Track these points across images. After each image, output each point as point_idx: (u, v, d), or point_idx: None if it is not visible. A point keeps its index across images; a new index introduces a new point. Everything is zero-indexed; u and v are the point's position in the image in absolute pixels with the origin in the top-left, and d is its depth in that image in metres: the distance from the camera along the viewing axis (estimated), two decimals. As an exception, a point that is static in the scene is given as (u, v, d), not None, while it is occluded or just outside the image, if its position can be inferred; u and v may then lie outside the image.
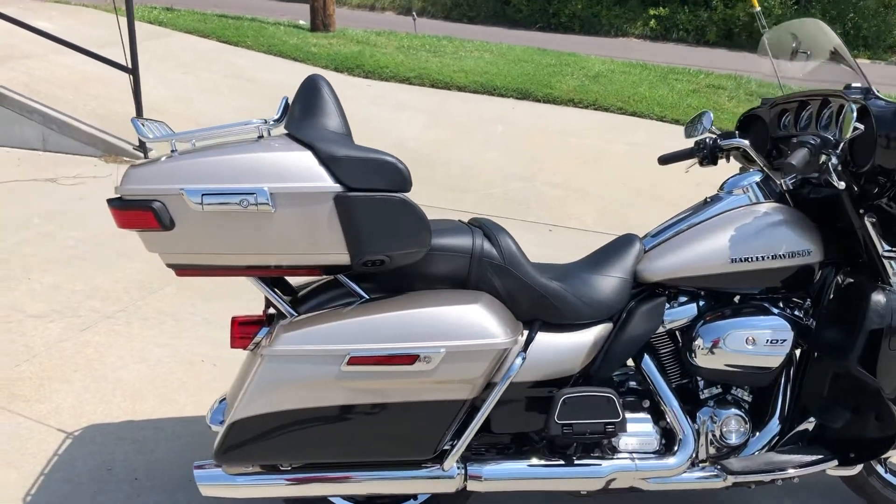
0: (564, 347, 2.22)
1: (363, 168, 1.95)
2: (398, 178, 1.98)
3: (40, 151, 6.37)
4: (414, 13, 13.24)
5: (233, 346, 2.24)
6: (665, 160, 2.86)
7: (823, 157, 2.17)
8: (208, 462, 2.14)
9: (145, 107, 6.27)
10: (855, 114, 2.05)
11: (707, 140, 2.72)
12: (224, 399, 2.30)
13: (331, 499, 2.31)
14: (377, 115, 7.45)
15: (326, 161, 1.93)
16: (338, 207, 1.93)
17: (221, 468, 2.13)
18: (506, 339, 2.01)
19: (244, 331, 2.24)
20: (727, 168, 2.86)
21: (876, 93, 2.25)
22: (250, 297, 3.98)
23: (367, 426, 2.03)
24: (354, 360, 1.95)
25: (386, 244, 1.98)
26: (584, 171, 6.50)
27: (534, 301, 2.19)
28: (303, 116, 2.09)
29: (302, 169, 1.93)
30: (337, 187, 1.93)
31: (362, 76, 8.79)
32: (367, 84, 8.55)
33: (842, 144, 2.16)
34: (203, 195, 1.90)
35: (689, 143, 2.88)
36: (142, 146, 6.24)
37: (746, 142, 2.62)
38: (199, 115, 7.07)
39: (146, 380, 3.25)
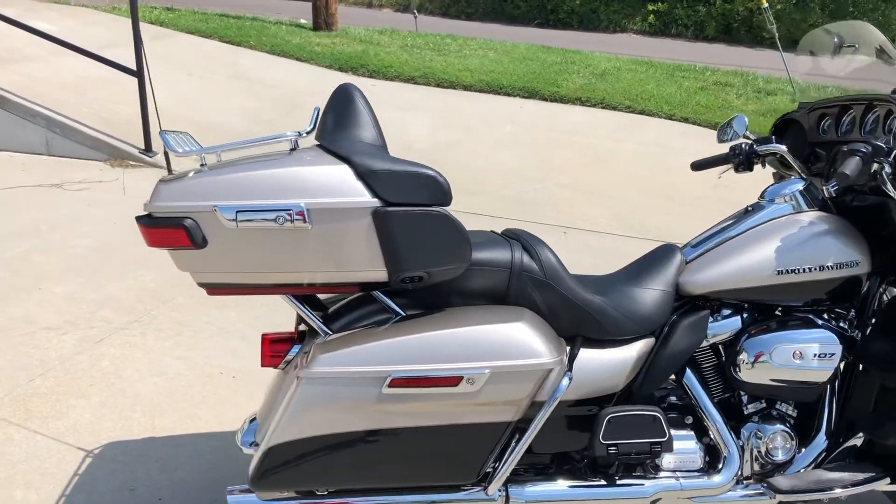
0: (608, 364, 2.15)
1: (402, 182, 1.87)
2: (438, 191, 1.90)
3: (44, 156, 6.29)
4: (415, 11, 13.15)
5: (263, 364, 2.17)
6: (698, 166, 2.79)
7: (875, 166, 2.10)
8: (241, 487, 2.07)
9: (150, 110, 6.19)
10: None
11: (743, 145, 2.64)
12: (254, 419, 2.23)
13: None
14: (384, 116, 7.30)
15: (364, 175, 1.85)
16: (376, 222, 1.85)
17: (255, 494, 2.06)
18: (551, 358, 1.94)
19: (275, 349, 2.16)
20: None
21: (932, 98, 2.18)
22: (266, 308, 3.92)
23: (408, 449, 1.96)
24: (396, 383, 1.87)
25: (425, 260, 1.90)
26: (594, 172, 6.43)
27: (576, 316, 2.11)
28: (336, 128, 2.01)
29: (339, 183, 1.85)
30: (375, 202, 1.85)
31: (367, 76, 8.71)
32: (372, 84, 8.46)
33: (895, 152, 2.09)
34: (237, 212, 1.82)
35: (722, 148, 2.79)
36: (148, 150, 6.17)
37: (784, 147, 2.55)
38: (205, 118, 6.99)
39: (165, 394, 3.17)
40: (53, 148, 6.24)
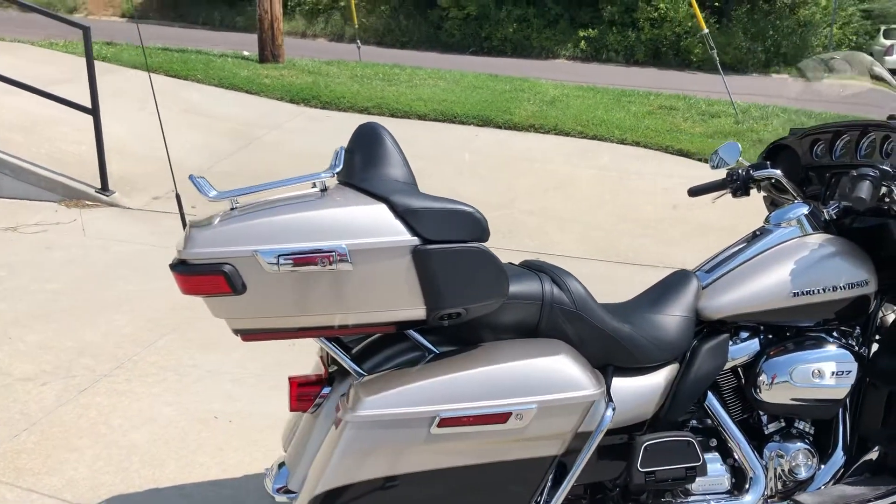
0: (640, 392, 2.18)
1: (441, 219, 1.87)
2: (476, 227, 1.91)
3: (-6, 198, 6.06)
4: (358, 42, 13.19)
5: (292, 408, 2.12)
6: (695, 192, 2.86)
7: (884, 189, 2.19)
8: (281, 537, 2.02)
9: (106, 148, 6.04)
10: (926, 146, 2.08)
11: (739, 171, 2.73)
12: (283, 463, 2.17)
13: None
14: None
15: (403, 214, 1.85)
16: (415, 261, 1.84)
17: (294, 543, 2.00)
18: (595, 389, 1.96)
19: (304, 392, 2.12)
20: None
21: (928, 124, 2.30)
22: (248, 349, 3.83)
23: (456, 489, 1.93)
24: (445, 422, 1.85)
25: (465, 297, 1.90)
26: (557, 197, 6.53)
27: (607, 346, 2.13)
28: (366, 167, 2.00)
29: (378, 223, 1.84)
30: (414, 240, 1.84)
31: (319, 107, 8.70)
32: (326, 115, 8.46)
33: (903, 176, 2.19)
34: (279, 256, 1.79)
35: (718, 174, 2.87)
36: (104, 189, 6.01)
37: (779, 172, 2.64)
38: (161, 154, 6.83)
39: (160, 442, 3.07)
40: (4, 190, 6.01)
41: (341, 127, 7.99)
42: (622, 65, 21.15)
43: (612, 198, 6.56)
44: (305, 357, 3.77)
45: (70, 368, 3.59)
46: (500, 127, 8.19)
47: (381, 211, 1.86)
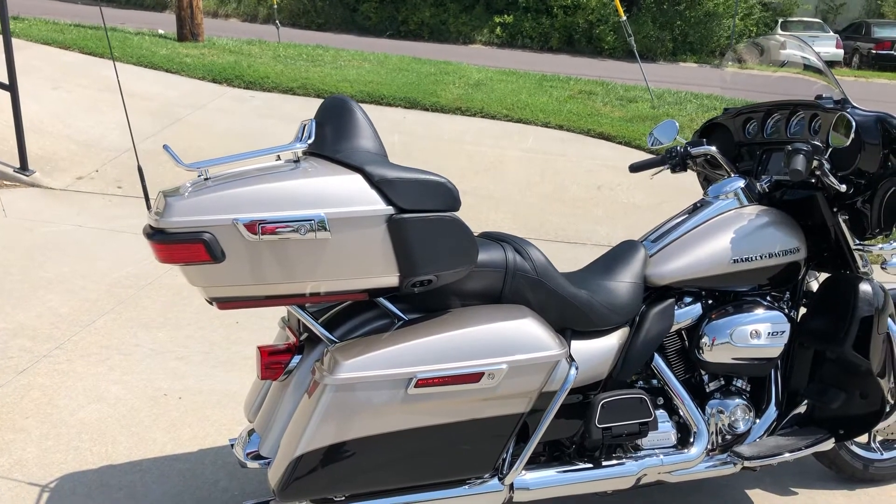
0: (596, 354, 2.31)
1: (415, 189, 1.94)
2: (449, 197, 1.99)
3: None
4: (277, 22, 12.98)
5: (262, 377, 2.15)
6: (636, 168, 3.01)
7: (815, 162, 2.38)
8: (257, 501, 2.06)
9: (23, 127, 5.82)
10: (854, 122, 2.27)
11: (678, 148, 2.89)
12: (252, 431, 2.21)
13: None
14: (268, 129, 7.28)
15: (378, 184, 1.91)
16: (390, 229, 1.92)
17: (271, 506, 2.05)
18: (559, 350, 2.07)
19: (273, 360, 2.16)
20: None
21: (853, 103, 2.50)
22: (195, 326, 3.81)
23: (431, 447, 2.02)
24: (422, 383, 1.93)
25: (437, 264, 1.98)
26: (488, 178, 6.66)
27: (566, 311, 2.25)
28: (338, 138, 2.05)
29: (354, 193, 1.90)
30: (390, 209, 1.91)
31: (242, 87, 8.56)
32: (250, 95, 8.33)
33: (830, 150, 2.38)
34: (259, 224, 1.82)
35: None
36: (23, 168, 5.78)
37: (714, 148, 2.81)
38: (83, 134, 6.64)
39: (111, 420, 3.03)
40: (-86, 170, 5.72)
41: (266, 107, 7.94)
42: (537, 51, 21.48)
43: (541, 179, 6.73)
44: (249, 335, 3.80)
45: (5, 350, 3.49)
46: (427, 109, 8.25)
47: (356, 181, 1.91)
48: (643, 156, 6.88)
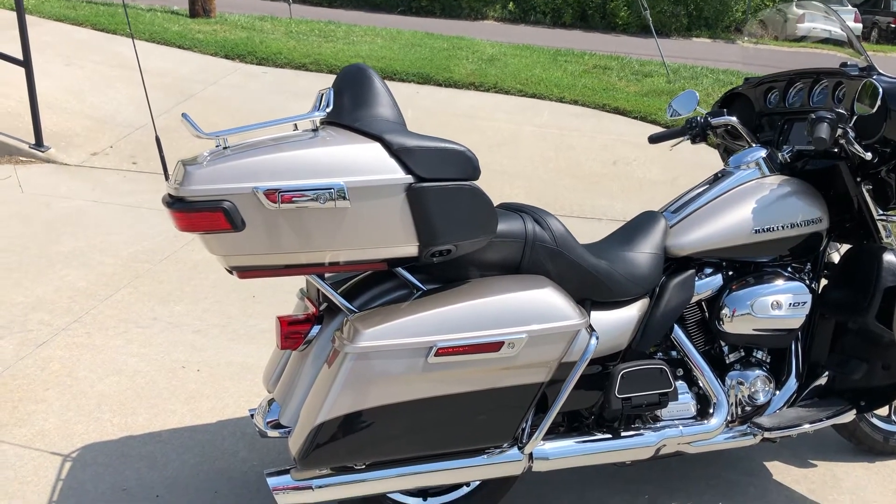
0: (615, 324, 2.29)
1: (434, 158, 1.93)
2: (468, 166, 1.97)
3: (-81, 154, 5.78)
4: (289, -2, 12.87)
5: (282, 347, 2.16)
6: (655, 139, 2.97)
7: (840, 131, 2.34)
8: (278, 469, 2.07)
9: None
10: (881, 90, 2.22)
11: (698, 118, 2.85)
12: (272, 400, 2.22)
13: (389, 495, 2.29)
14: (281, 104, 7.25)
15: (397, 152, 1.89)
16: (410, 198, 1.90)
17: (290, 475, 2.06)
18: (580, 319, 2.06)
19: (293, 330, 2.16)
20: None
21: (879, 70, 2.45)
22: (212, 300, 3.83)
23: (451, 416, 2.02)
24: (442, 351, 1.93)
25: (456, 234, 1.97)
26: (502, 154, 6.62)
27: (586, 281, 2.24)
28: (356, 107, 2.03)
29: (373, 161, 1.88)
30: (409, 178, 1.90)
31: (255, 63, 8.52)
32: (263, 71, 8.30)
33: (855, 118, 2.34)
34: (279, 192, 1.81)
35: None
36: (39, 144, 5.79)
37: (734, 119, 2.77)
38: (97, 110, 6.64)
39: (130, 392, 3.05)
40: (-70, 145, 5.74)
41: (279, 83, 7.91)
42: (549, 27, 21.28)
43: (555, 154, 6.69)
44: (266, 308, 3.81)
45: (25, 323, 3.52)
46: (440, 85, 8.19)
47: (376, 150, 1.90)
48: (660, 130, 6.82)
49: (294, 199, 1.83)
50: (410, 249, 1.96)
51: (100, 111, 6.64)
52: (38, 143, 5.79)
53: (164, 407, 2.98)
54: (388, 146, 1.90)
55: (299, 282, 2.33)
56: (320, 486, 2.05)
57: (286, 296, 3.82)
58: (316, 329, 2.16)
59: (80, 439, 2.76)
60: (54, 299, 3.76)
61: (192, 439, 2.79)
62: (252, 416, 2.30)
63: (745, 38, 3.12)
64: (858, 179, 2.51)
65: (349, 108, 2.04)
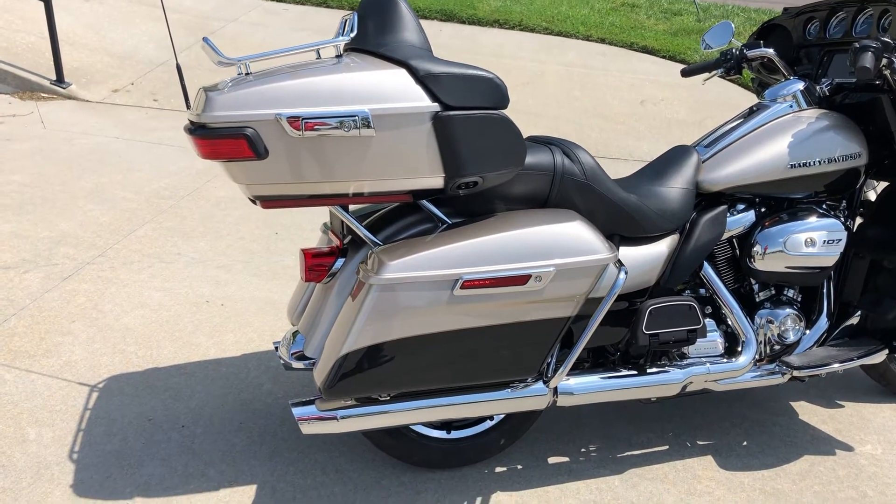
0: (645, 260, 2.25)
1: (461, 85, 1.86)
2: (497, 94, 1.90)
3: (-58, 90, 5.78)
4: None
5: (306, 279, 2.14)
6: (688, 73, 2.88)
7: (884, 61, 2.24)
8: (303, 399, 2.07)
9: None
10: (933, 16, 2.12)
11: (733, 50, 2.75)
12: (296, 332, 2.21)
13: (412, 427, 2.29)
14: (303, 41, 7.11)
15: (423, 79, 1.83)
16: (436, 127, 1.84)
17: (315, 405, 2.06)
18: (609, 254, 2.02)
19: (317, 263, 2.13)
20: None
21: (928, -3, 2.34)
22: (234, 237, 3.82)
23: (475, 349, 2.00)
24: (468, 284, 1.90)
25: (483, 165, 1.91)
26: (527, 93, 6.50)
27: (615, 216, 2.19)
28: (381, 32, 1.96)
29: (399, 88, 1.82)
30: (435, 106, 1.84)
31: (277, 0, 8.38)
32: (283, 8, 8.18)
33: (902, 47, 2.24)
34: (303, 120, 1.77)
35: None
36: (60, 80, 5.76)
37: (772, 51, 2.66)
38: (117, 46, 6.57)
39: (155, 325, 3.07)
40: (-48, 81, 5.73)
41: (300, 20, 7.80)
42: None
43: (581, 94, 6.56)
44: (288, 245, 3.80)
45: (50, 257, 3.53)
46: (463, 22, 8.03)
47: (401, 76, 1.84)
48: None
49: (317, 126, 1.78)
50: (436, 181, 1.92)
51: (120, 47, 6.57)
52: (60, 80, 5.76)
53: (188, 340, 2.99)
54: (413, 72, 1.84)
55: (321, 218, 2.31)
56: (345, 417, 2.06)
57: (309, 232, 3.81)
58: (340, 262, 2.13)
59: (107, 370, 2.78)
60: (79, 234, 3.77)
61: (216, 372, 2.81)
62: (276, 348, 2.30)
63: None
64: (901, 113, 2.42)
65: (374, 34, 1.97)
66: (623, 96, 6.54)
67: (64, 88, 5.74)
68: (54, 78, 5.75)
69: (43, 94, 5.71)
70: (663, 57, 7.44)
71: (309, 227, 3.86)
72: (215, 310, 3.21)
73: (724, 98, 5.91)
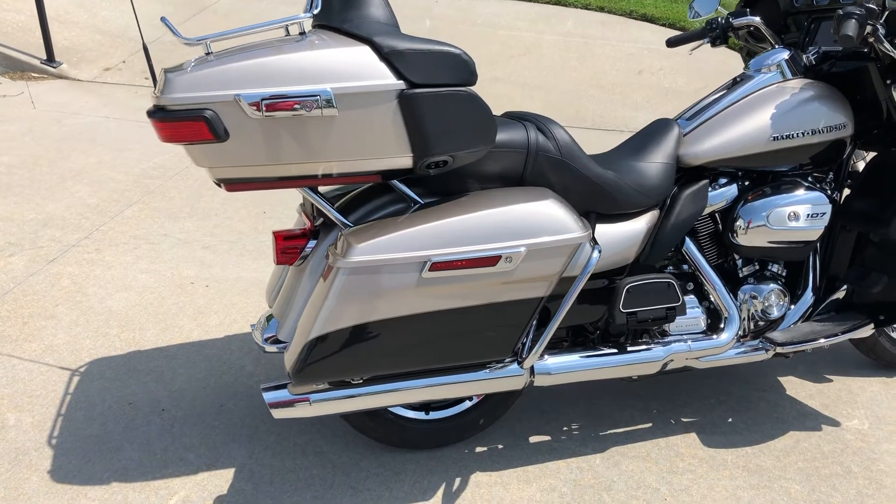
0: (622, 237, 2.21)
1: (427, 62, 1.81)
2: (465, 71, 1.85)
3: (-69, 71, 5.74)
4: None
5: (277, 262, 2.10)
6: (674, 42, 2.81)
7: (869, 27, 2.18)
8: (274, 383, 2.05)
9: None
10: (914, -18, 2.05)
11: (719, 19, 2.68)
12: (270, 316, 2.19)
13: (390, 409, 2.27)
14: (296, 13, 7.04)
15: (388, 56, 1.78)
16: (402, 106, 1.80)
17: (287, 389, 2.04)
18: (582, 232, 1.98)
19: (289, 245, 2.10)
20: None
21: (912, -39, 2.26)
22: (222, 216, 3.79)
23: (448, 330, 1.97)
24: (436, 266, 1.87)
25: (452, 143, 1.87)
26: (522, 64, 6.41)
27: (591, 193, 2.14)
28: (346, 8, 1.91)
29: (362, 66, 1.78)
30: (400, 84, 1.79)
31: (270, -26, 8.26)
32: (278, -19, 8.05)
33: (887, 13, 2.17)
34: (262, 100, 1.72)
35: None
36: (50, 60, 5.71)
37: (758, 19, 2.59)
38: (107, 24, 6.51)
39: (138, 308, 3.06)
40: (-59, 62, 5.69)
41: (294, -7, 7.67)
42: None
43: (578, 64, 6.46)
44: (276, 223, 3.76)
45: (35, 240, 3.52)
46: (460, -8, 7.91)
47: (364, 53, 1.79)
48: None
49: (278, 107, 1.74)
50: (404, 161, 1.87)
51: (111, 25, 6.51)
52: (50, 59, 5.71)
53: (172, 322, 2.98)
54: (378, 49, 1.79)
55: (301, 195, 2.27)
56: (318, 401, 2.04)
57: (297, 211, 3.78)
58: (312, 244, 2.10)
59: (89, 354, 2.77)
60: (65, 216, 3.75)
61: (199, 354, 2.79)
62: (254, 328, 2.28)
63: None
64: (888, 82, 2.35)
65: (339, 10, 1.92)
66: (621, 66, 6.45)
67: (54, 68, 5.69)
68: (45, 57, 5.70)
69: (33, 74, 5.67)
70: (663, 25, 7.32)
71: (296, 206, 3.82)
72: (200, 291, 3.19)
73: (724, 67, 5.82)
